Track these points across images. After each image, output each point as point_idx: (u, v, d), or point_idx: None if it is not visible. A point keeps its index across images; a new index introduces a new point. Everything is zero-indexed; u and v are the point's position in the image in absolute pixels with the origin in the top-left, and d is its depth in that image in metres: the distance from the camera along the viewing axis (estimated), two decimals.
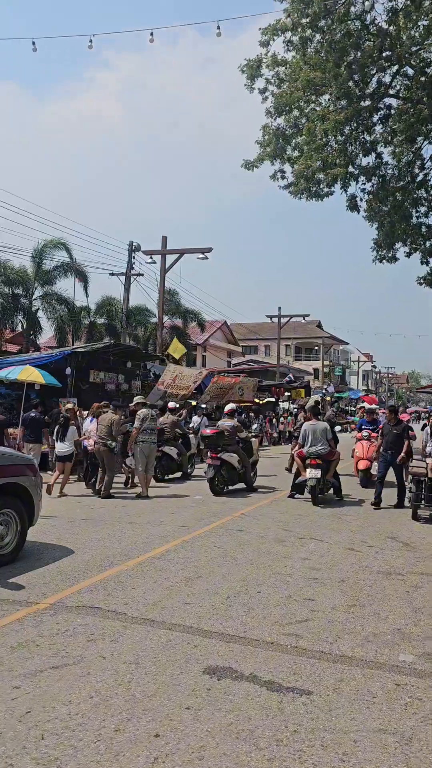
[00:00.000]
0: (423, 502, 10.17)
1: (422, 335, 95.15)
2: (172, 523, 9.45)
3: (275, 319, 42.60)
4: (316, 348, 70.70)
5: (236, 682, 4.16)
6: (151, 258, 24.91)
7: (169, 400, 20.46)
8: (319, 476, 11.50)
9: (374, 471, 13.23)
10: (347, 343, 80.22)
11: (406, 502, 10.97)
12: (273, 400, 32.29)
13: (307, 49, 20.22)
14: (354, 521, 10.02)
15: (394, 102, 20.76)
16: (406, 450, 11.48)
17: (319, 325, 73.21)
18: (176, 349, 23.43)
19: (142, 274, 25.57)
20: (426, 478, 10.15)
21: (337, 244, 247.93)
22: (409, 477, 10.68)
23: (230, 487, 12.89)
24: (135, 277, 25.48)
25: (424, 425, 19.23)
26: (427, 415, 34.37)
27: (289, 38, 19.92)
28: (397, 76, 21.37)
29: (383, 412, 14.55)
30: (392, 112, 20.35)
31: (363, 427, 15.26)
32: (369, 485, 13.61)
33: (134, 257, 25.32)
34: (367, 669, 4.45)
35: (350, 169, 21.11)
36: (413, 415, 44.26)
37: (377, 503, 11.34)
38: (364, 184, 22.85)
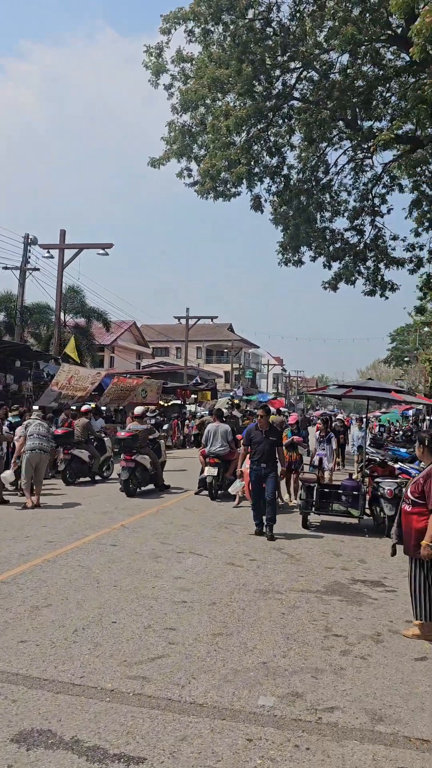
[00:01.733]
0: (313, 509, 9.74)
1: (327, 339, 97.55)
2: (39, 538, 8.48)
3: (187, 321, 41.93)
4: (227, 351, 70.78)
5: (50, 751, 3.36)
6: (48, 252, 23.59)
7: (66, 402, 19.32)
8: (216, 474, 12.10)
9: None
10: (258, 347, 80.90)
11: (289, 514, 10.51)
12: (179, 402, 31.62)
13: (209, 41, 19.73)
14: (241, 531, 9.42)
15: (298, 104, 20.61)
16: (292, 459, 10.84)
17: (231, 328, 73.39)
18: (72, 348, 22.24)
19: (38, 269, 24.14)
20: (316, 485, 9.73)
21: (251, 247, 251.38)
22: (299, 483, 10.24)
23: (142, 488, 13.00)
24: (30, 271, 24.03)
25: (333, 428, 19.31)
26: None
27: (190, 28, 19.35)
28: (303, 81, 21.33)
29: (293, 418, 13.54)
30: (293, 112, 20.15)
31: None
32: None
33: (30, 251, 23.88)
34: (218, 720, 3.76)
35: (255, 169, 20.81)
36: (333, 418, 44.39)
37: (258, 532, 9.17)
38: (270, 185, 22.72)
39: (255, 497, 9.23)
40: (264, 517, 9.12)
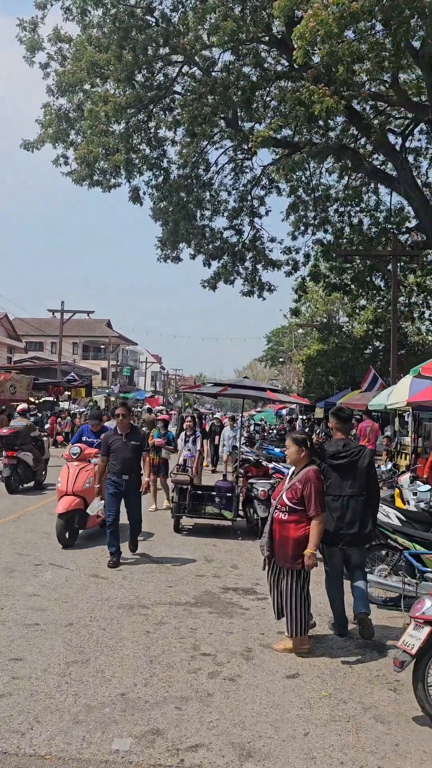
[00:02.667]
0: (186, 512, 9.34)
1: (205, 338, 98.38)
2: None
3: (62, 315, 40.21)
4: (104, 347, 69.27)
5: None
6: None
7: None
8: None
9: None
10: (136, 344, 79.92)
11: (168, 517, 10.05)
12: (51, 399, 30.19)
13: (87, 23, 18.85)
14: None
15: (180, 97, 20.22)
16: (154, 462, 9.58)
17: (109, 324, 71.86)
18: None
19: None
20: (189, 487, 9.34)
21: (131, 242, 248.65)
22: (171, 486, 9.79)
23: (24, 485, 12.84)
24: None
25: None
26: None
27: (67, 5, 18.38)
28: (185, 76, 20.99)
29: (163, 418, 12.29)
30: (175, 105, 19.73)
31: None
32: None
33: None
34: None
35: (134, 159, 20.15)
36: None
37: (114, 563, 7.29)
38: (150, 178, 22.16)
39: (111, 516, 7.39)
40: (129, 541, 7.78)
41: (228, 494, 9.53)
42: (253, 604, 6.14)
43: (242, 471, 10.46)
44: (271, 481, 9.59)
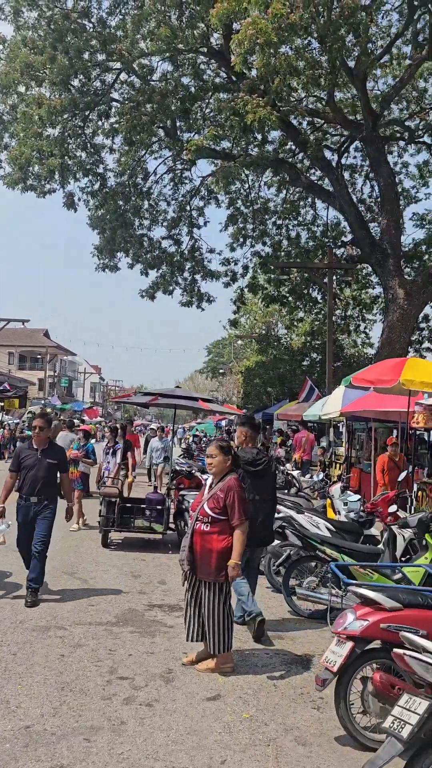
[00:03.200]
0: (114, 526, 9.01)
1: (144, 348, 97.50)
2: None
3: None
4: (41, 357, 67.71)
5: None
6: None
7: None
8: None
9: None
10: (75, 354, 78.55)
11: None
12: None
13: (21, 24, 18.43)
14: None
15: (117, 105, 20.00)
16: (68, 490, 7.09)
17: (46, 334, 70.40)
18: None
19: None
20: (118, 500, 9.02)
21: (69, 251, 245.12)
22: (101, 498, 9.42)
23: None
24: None
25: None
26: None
27: (0, 5, 17.91)
28: (123, 84, 20.78)
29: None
30: (112, 110, 19.48)
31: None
32: None
33: None
34: None
35: (69, 163, 19.75)
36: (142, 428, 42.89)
37: (31, 604, 6.13)
38: (87, 185, 21.78)
39: (22, 548, 6.45)
40: (27, 578, 6.30)
41: (158, 507, 9.25)
42: (178, 621, 5.87)
43: (174, 483, 10.23)
44: None
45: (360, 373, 9.21)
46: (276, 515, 7.24)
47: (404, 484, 8.81)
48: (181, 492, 9.52)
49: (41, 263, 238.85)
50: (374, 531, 7.83)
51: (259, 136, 20.31)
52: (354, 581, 4.73)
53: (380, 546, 6.99)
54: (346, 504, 8.16)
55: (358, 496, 7.86)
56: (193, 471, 10.79)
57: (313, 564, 6.36)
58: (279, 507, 7.28)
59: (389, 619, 3.63)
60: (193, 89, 19.00)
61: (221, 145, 21.79)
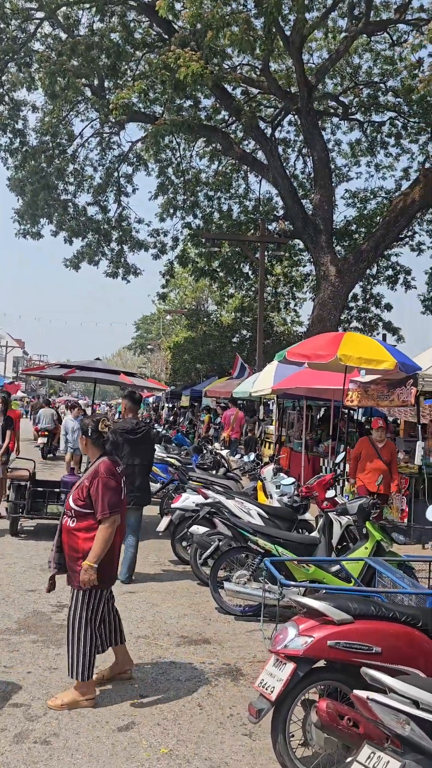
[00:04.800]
0: (23, 512, 8.11)
1: (68, 322, 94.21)
2: None
3: None
4: None
5: None
6: None
7: None
8: None
9: None
10: None
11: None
12: None
13: None
14: None
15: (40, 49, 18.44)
16: None
17: None
18: None
19: None
20: (28, 483, 8.12)
21: None
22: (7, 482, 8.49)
23: None
24: None
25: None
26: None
27: None
28: (47, 38, 19.22)
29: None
30: (32, 59, 17.90)
31: None
32: None
33: None
34: None
35: None
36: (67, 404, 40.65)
37: None
38: (5, 142, 20.16)
39: None
40: None
41: None
42: None
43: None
44: None
45: (295, 347, 8.64)
46: (203, 500, 6.64)
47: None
48: None
49: None
50: (308, 515, 7.33)
51: (191, 102, 19.43)
52: (291, 582, 4.14)
53: (315, 533, 6.47)
54: (278, 487, 7.61)
55: (292, 479, 7.32)
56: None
57: (244, 555, 5.75)
58: (207, 492, 6.67)
59: (338, 635, 3.02)
60: (121, 44, 17.71)
61: (152, 110, 20.73)
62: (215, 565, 5.72)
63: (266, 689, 3.07)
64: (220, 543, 5.93)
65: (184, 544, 7.25)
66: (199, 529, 6.56)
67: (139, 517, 6.59)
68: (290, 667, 3.03)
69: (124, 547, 5.78)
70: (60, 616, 5.27)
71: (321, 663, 3.16)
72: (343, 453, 8.25)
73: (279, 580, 3.80)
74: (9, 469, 8.41)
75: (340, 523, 6.41)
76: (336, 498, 6.34)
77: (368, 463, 8.02)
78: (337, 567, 5.43)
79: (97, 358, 9.38)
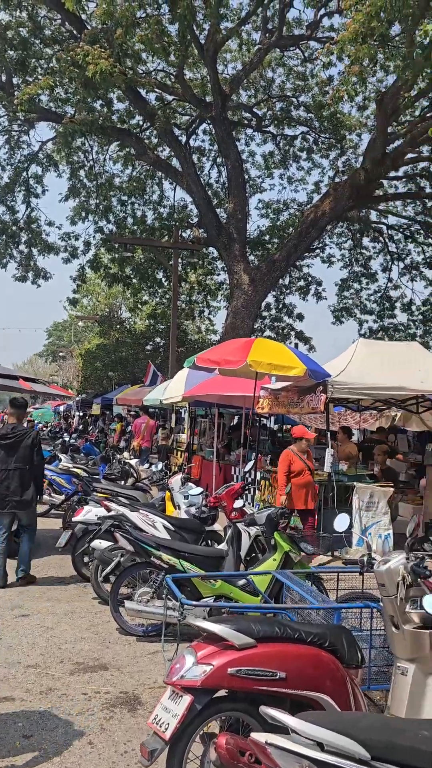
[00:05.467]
0: None
1: (37, 329, 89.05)
2: None
3: None
4: None
5: None
6: None
7: None
8: None
9: None
10: None
11: None
12: None
13: None
14: None
15: None
16: None
17: None
18: None
19: None
20: None
21: None
22: None
23: None
24: None
25: None
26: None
27: None
28: None
29: None
30: None
31: None
32: None
33: None
34: None
35: None
36: None
37: None
38: None
39: None
40: None
41: None
42: None
43: None
44: None
45: (205, 353, 8.42)
46: (106, 513, 6.26)
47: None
48: None
49: None
50: (217, 526, 7.09)
51: (103, 103, 18.95)
52: (192, 602, 3.85)
53: (223, 545, 6.23)
54: (186, 497, 7.32)
55: (200, 489, 7.05)
56: None
57: (148, 571, 5.41)
58: (109, 504, 6.29)
59: (239, 661, 2.75)
60: (28, 38, 17.03)
61: (64, 110, 20.09)
62: (116, 582, 5.34)
63: (160, 726, 2.75)
64: (122, 559, 5.56)
65: (86, 560, 6.81)
66: (101, 544, 6.16)
67: (30, 519, 6.77)
68: (187, 699, 2.73)
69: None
70: None
71: (222, 692, 2.88)
72: (253, 461, 8.07)
73: (179, 600, 3.49)
74: None
75: (249, 534, 6.21)
76: (244, 508, 6.12)
77: (299, 478, 7.52)
78: (243, 581, 5.20)
79: None
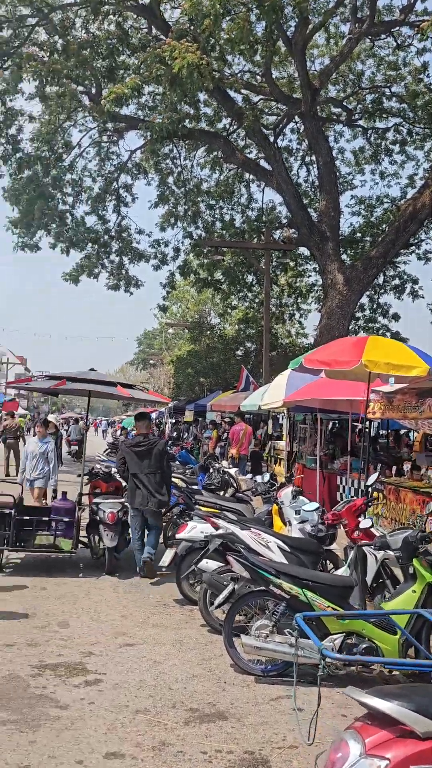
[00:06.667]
0: (7, 545, 7.12)
1: (69, 336, 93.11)
2: None
3: None
4: None
5: None
6: None
7: None
8: None
9: None
10: None
11: None
12: None
13: None
14: None
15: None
16: None
17: None
18: None
19: None
20: (12, 511, 7.14)
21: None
22: None
23: None
24: None
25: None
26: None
27: None
28: (43, 47, 18.54)
29: None
30: (21, 59, 17.09)
31: None
32: None
33: None
34: None
35: None
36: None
37: None
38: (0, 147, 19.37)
39: None
40: None
41: (67, 518, 7.43)
42: (77, 695, 4.14)
43: (89, 487, 8.46)
44: (122, 499, 7.66)
45: (312, 354, 7.70)
46: (212, 530, 5.71)
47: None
48: (96, 499, 7.75)
49: None
50: (334, 546, 6.37)
51: (190, 107, 18.63)
52: (337, 655, 3.17)
53: (343, 569, 5.51)
54: (298, 513, 6.62)
55: (315, 504, 6.33)
56: (113, 472, 9.00)
57: (266, 600, 4.77)
58: (217, 521, 5.72)
59: (427, 757, 2.05)
60: (116, 42, 16.98)
61: (150, 117, 19.99)
62: (230, 613, 4.72)
63: None
64: (236, 586, 4.95)
65: (192, 580, 6.27)
66: (209, 565, 5.60)
67: (157, 521, 7.33)
68: None
69: None
70: (39, 683, 4.28)
71: None
72: (377, 473, 7.25)
73: (321, 651, 2.82)
74: None
75: (376, 558, 5.44)
76: (372, 529, 5.36)
77: None
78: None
79: (92, 369, 8.42)
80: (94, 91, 18.59)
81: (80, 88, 18.66)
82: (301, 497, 6.91)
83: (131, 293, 23.96)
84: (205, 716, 3.91)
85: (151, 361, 52.57)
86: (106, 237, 22.76)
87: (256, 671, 4.58)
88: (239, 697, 4.22)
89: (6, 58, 17.15)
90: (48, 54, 16.22)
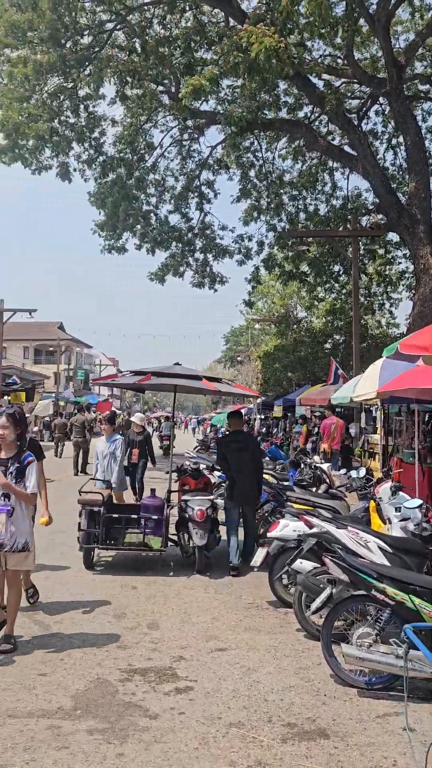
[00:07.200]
0: (97, 543, 7.07)
1: (156, 336, 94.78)
2: None
3: (1, 315, 37.29)
4: (53, 349, 66.30)
5: None
6: None
7: None
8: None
9: None
10: (91, 347, 77.06)
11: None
12: None
13: None
14: None
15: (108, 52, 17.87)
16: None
17: (61, 327, 68.91)
18: None
19: None
20: (102, 509, 7.07)
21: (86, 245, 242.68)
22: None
23: None
24: None
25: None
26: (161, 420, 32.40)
27: None
28: (122, 50, 18.75)
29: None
30: (102, 63, 17.28)
31: None
32: None
33: None
34: None
35: (58, 128, 17.79)
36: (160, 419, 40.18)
37: None
38: (81, 153, 19.80)
39: None
40: None
41: (156, 516, 7.29)
42: (166, 704, 3.91)
43: (178, 484, 8.30)
44: (211, 496, 7.43)
45: (409, 339, 7.15)
46: (306, 529, 5.36)
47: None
48: (185, 496, 7.57)
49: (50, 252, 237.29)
50: None
51: (271, 99, 18.18)
52: None
53: None
54: (399, 510, 6.13)
55: (418, 501, 5.82)
56: (200, 467, 8.80)
57: (367, 605, 4.37)
58: (311, 519, 5.36)
59: None
60: (192, 33, 16.82)
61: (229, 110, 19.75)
62: (328, 619, 4.35)
63: None
64: (333, 590, 4.58)
65: (285, 581, 5.94)
66: (304, 566, 5.25)
67: (253, 513, 7.68)
68: None
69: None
70: (128, 689, 4.09)
71: None
72: None
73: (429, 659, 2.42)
74: (81, 493, 7.34)
75: None
76: None
77: None
78: None
79: (177, 363, 8.25)
80: (173, 89, 18.57)
81: (160, 88, 18.71)
82: (401, 493, 6.40)
83: (215, 290, 23.85)
84: (304, 733, 3.58)
85: (239, 358, 52.47)
86: (189, 235, 22.76)
87: (359, 684, 4.19)
88: (341, 713, 3.84)
89: (87, 63, 17.45)
90: (127, 54, 16.31)
